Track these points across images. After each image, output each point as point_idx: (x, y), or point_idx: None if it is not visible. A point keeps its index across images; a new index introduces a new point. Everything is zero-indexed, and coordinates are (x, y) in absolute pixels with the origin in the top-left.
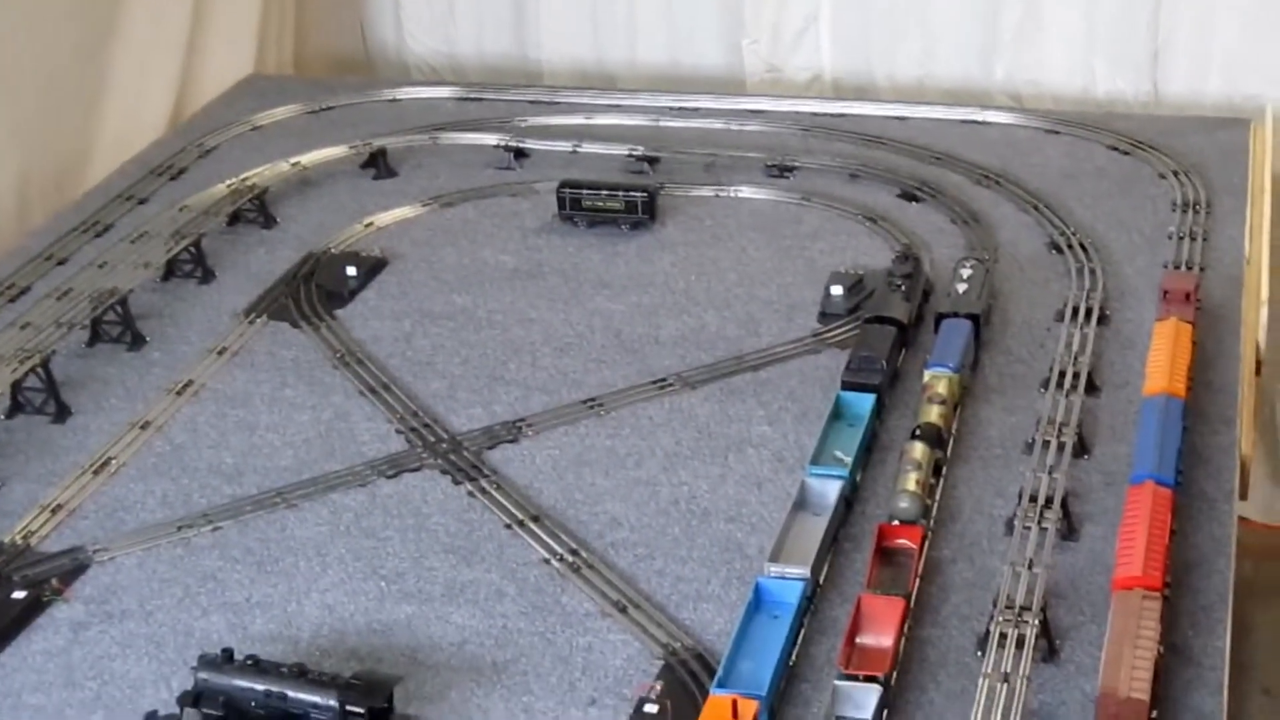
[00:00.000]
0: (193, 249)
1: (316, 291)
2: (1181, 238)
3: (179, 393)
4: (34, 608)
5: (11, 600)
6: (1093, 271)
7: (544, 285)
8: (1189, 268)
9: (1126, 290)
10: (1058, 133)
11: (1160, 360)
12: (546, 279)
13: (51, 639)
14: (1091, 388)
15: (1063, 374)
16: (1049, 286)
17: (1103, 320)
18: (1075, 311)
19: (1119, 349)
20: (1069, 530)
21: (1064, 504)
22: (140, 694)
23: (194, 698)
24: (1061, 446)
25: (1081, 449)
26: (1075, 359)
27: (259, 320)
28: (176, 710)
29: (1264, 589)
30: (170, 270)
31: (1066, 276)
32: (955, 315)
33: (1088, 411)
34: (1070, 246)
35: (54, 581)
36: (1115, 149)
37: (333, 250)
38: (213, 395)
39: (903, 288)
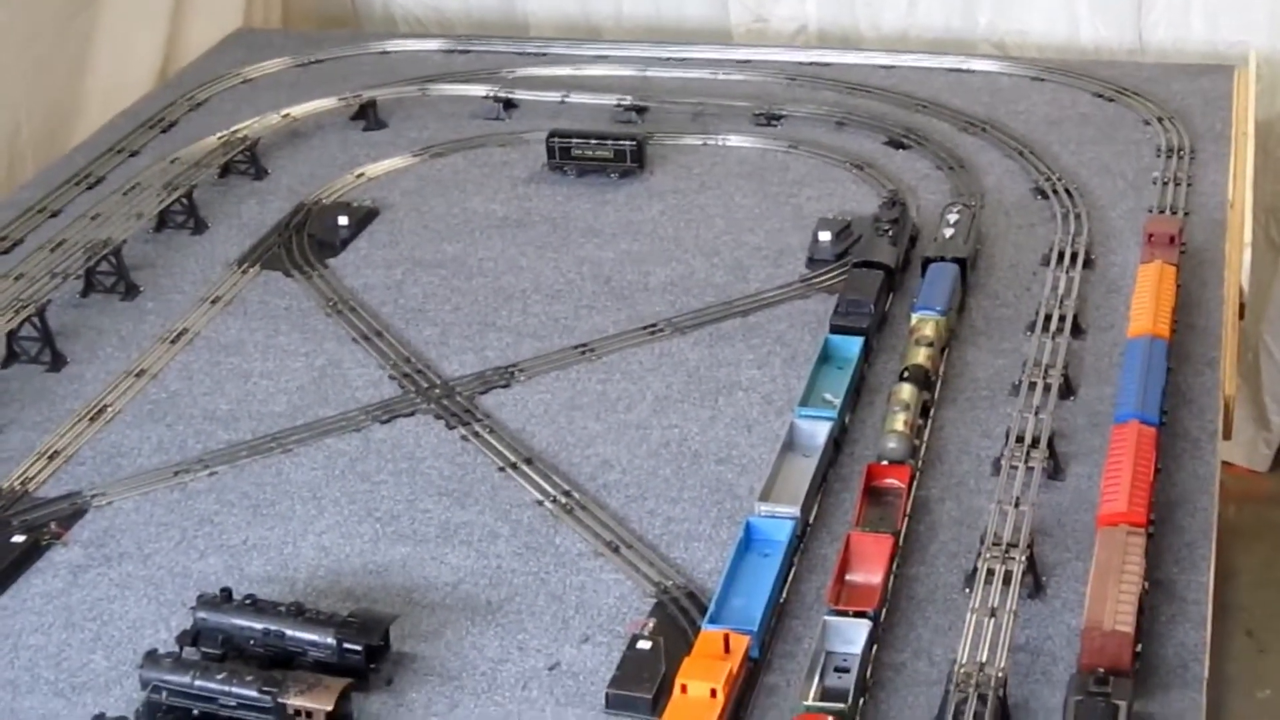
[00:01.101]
0: (185, 200)
1: (308, 241)
2: (1165, 183)
3: (173, 341)
4: (32, 551)
5: (10, 544)
6: (1078, 216)
7: (534, 233)
8: (1173, 212)
9: (1111, 234)
10: (1042, 80)
11: (1144, 302)
12: (536, 227)
13: (50, 582)
14: (1077, 330)
15: (1048, 317)
16: (1034, 231)
17: (1088, 264)
18: (1060, 255)
19: (1104, 292)
20: (1055, 469)
21: (1050, 444)
22: (139, 634)
23: (193, 636)
24: (1047, 388)
25: (1067, 390)
26: (1061, 302)
27: (251, 270)
28: (176, 648)
29: (1247, 532)
30: (162, 221)
31: (1052, 221)
32: (942, 259)
33: (1073, 353)
34: (1055, 192)
35: (52, 525)
36: (1100, 96)
37: (324, 200)
38: (206, 343)
39: (890, 233)
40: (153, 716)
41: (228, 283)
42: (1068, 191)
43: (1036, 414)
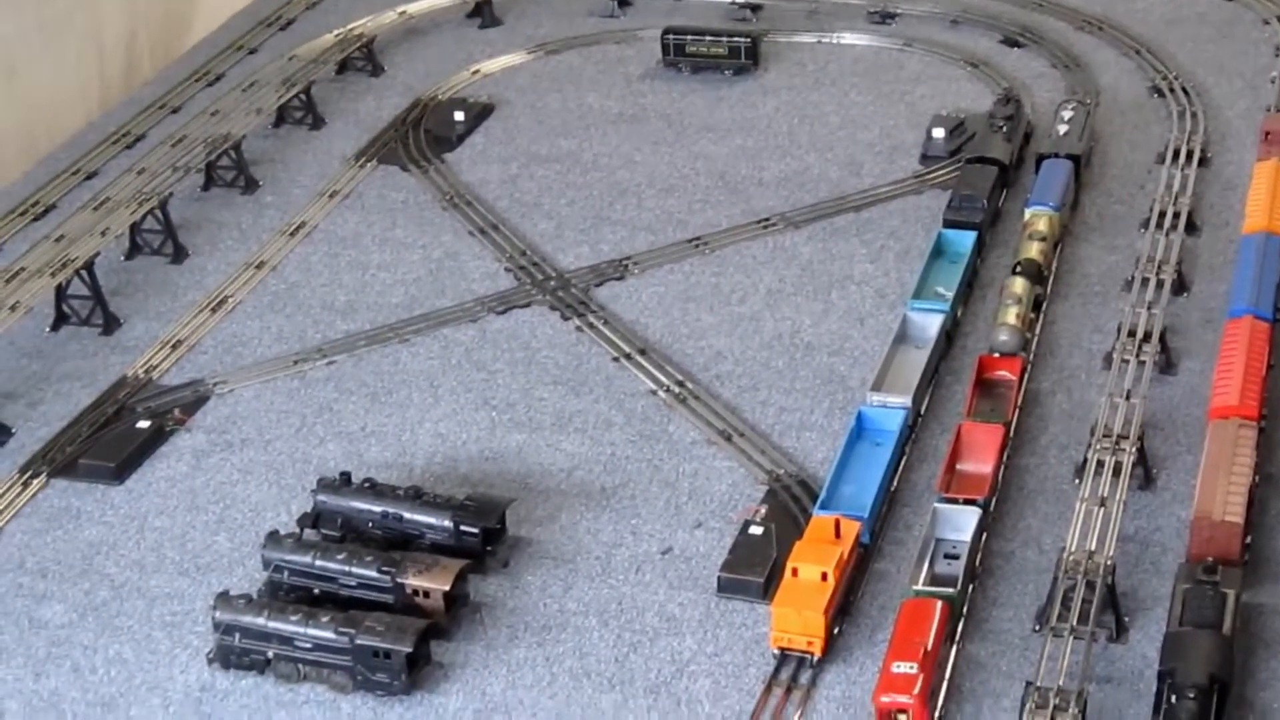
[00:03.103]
0: (303, 96)
1: (425, 136)
2: None
3: (292, 234)
4: (157, 437)
5: (136, 430)
6: (1194, 115)
7: (648, 129)
8: None
9: (1228, 133)
10: None
11: (1260, 199)
12: (651, 123)
13: (175, 466)
14: (1191, 227)
15: (1163, 214)
16: (1150, 130)
17: (1203, 162)
18: (1176, 154)
19: (1219, 190)
20: (1167, 364)
21: (1162, 338)
22: (261, 516)
23: (313, 519)
24: (1161, 283)
25: (1181, 287)
26: (1175, 199)
27: (369, 164)
28: (297, 530)
29: None
30: (281, 117)
31: (1168, 120)
32: (1056, 156)
33: (1187, 250)
34: (1172, 90)
35: (176, 412)
36: None
37: (440, 97)
38: (325, 236)
39: (1004, 129)
40: (275, 595)
41: (345, 177)
42: (1184, 90)
43: (1149, 309)
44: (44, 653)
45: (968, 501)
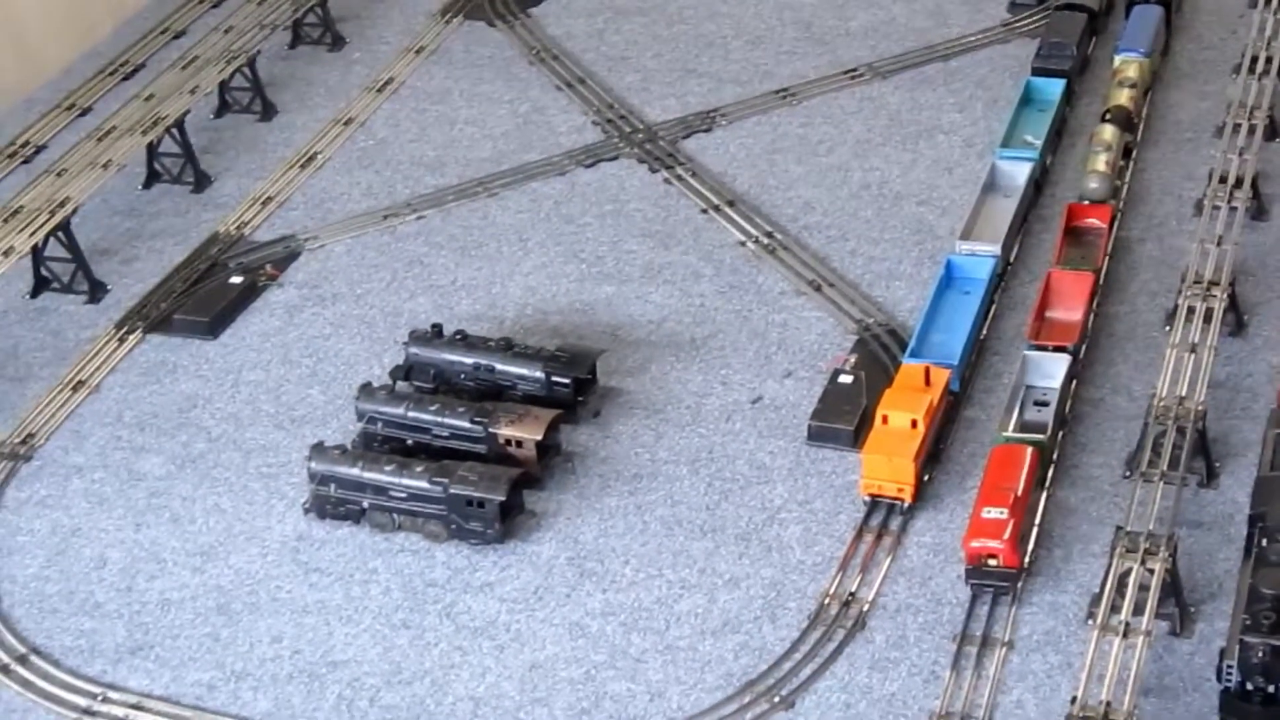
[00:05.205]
0: None
1: None
2: None
3: (379, 90)
4: (250, 292)
5: (229, 285)
6: None
7: None
8: None
9: None
10: None
11: None
12: None
13: (268, 320)
14: None
15: (1254, 59)
16: None
17: None
18: None
19: None
20: (1259, 211)
21: (1254, 184)
22: (353, 369)
23: (405, 371)
24: (1252, 129)
25: (1273, 132)
26: (1268, 44)
27: (455, 20)
28: (389, 382)
29: None
30: None
31: None
32: (1146, 1)
33: (1279, 95)
34: None
35: (268, 267)
36: None
37: None
38: (412, 92)
39: None
40: (368, 445)
41: (432, 32)
42: None
43: (1240, 155)
44: (144, 504)
45: (1057, 348)
